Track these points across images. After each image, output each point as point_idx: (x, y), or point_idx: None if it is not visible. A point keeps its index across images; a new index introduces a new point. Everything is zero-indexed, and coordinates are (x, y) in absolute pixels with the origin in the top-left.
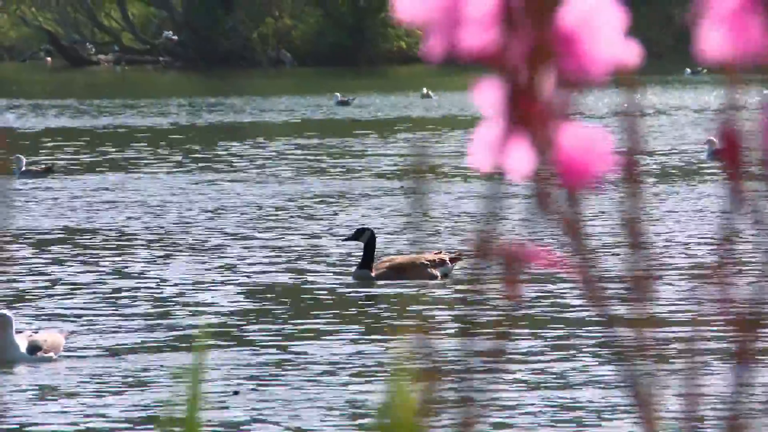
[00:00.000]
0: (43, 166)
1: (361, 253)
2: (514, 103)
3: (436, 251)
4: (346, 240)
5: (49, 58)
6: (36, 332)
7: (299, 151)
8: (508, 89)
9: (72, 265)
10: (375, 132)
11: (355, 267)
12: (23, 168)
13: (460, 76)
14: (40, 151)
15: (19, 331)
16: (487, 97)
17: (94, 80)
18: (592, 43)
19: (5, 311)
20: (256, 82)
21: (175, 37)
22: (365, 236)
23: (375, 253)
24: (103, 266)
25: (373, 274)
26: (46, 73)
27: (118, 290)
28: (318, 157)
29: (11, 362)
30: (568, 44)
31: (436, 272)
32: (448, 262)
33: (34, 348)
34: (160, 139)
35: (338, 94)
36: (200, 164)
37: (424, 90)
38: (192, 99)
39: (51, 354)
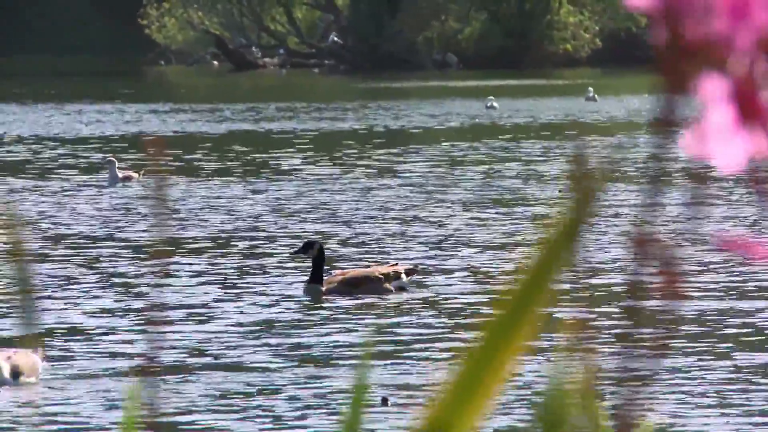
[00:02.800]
0: (127, 173)
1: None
2: (738, 95)
3: (392, 263)
4: (294, 253)
5: (215, 62)
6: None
7: (449, 157)
8: (733, 79)
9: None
10: (529, 136)
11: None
12: (119, 174)
13: (626, 79)
14: (195, 155)
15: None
16: (709, 87)
17: (259, 84)
18: None
19: None
20: (419, 86)
21: (341, 41)
22: (314, 250)
23: (324, 266)
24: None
25: (323, 288)
26: (212, 76)
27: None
28: (470, 163)
29: None
30: None
31: (391, 286)
32: (403, 275)
33: (17, 373)
34: (318, 143)
35: (492, 98)
36: (357, 169)
37: (590, 92)
38: (354, 102)
39: (32, 378)
